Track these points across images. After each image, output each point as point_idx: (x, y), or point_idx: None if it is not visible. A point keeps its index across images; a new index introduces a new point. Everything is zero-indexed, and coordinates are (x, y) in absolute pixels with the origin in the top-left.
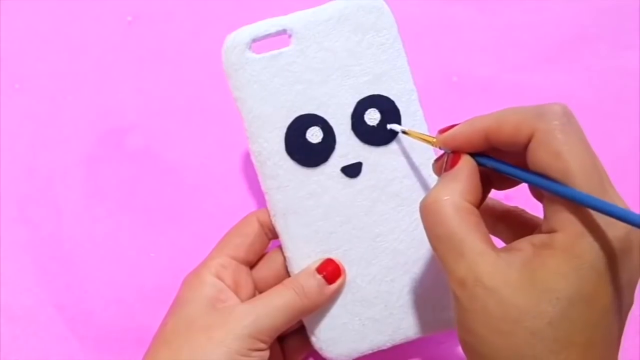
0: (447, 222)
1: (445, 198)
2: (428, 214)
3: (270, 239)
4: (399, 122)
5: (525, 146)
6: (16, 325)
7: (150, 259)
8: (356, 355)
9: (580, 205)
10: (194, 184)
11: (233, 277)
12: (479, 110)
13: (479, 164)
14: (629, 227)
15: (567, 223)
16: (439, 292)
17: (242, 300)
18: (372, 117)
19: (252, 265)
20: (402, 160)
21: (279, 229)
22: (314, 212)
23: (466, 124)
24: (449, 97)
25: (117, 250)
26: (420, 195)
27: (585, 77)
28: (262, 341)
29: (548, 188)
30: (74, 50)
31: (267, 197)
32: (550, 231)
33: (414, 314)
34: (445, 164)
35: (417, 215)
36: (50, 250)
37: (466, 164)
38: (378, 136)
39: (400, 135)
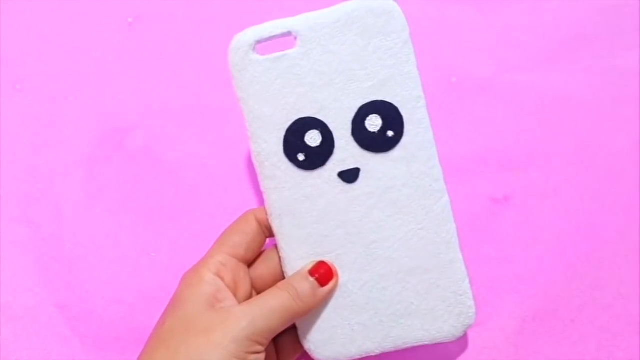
0: None
1: None
2: None
3: (267, 237)
4: (402, 130)
5: None
6: (17, 324)
7: (151, 259)
8: (344, 359)
9: None
10: (194, 184)
11: (232, 275)
12: (478, 110)
13: None
14: None
15: None
16: (430, 304)
17: (239, 300)
18: (374, 123)
19: (249, 264)
20: (402, 168)
21: (275, 229)
22: (308, 215)
23: None
24: (448, 97)
25: (117, 250)
26: (419, 205)
27: (584, 77)
28: (259, 343)
29: None
30: (75, 51)
31: (264, 197)
32: None
33: (404, 323)
34: None
35: (414, 225)
36: (51, 250)
37: None
38: (378, 143)
39: (402, 142)
